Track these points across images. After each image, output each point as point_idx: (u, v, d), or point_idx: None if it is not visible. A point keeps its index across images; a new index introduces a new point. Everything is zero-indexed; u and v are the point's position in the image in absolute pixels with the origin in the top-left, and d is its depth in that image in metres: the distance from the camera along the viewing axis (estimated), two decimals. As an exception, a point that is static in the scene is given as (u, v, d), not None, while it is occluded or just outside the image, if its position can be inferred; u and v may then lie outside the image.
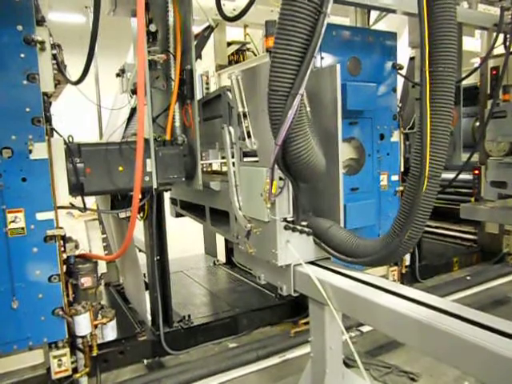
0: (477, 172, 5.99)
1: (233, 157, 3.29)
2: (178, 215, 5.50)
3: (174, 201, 5.42)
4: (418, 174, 2.13)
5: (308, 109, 2.58)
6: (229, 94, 3.35)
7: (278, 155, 2.45)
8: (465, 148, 5.51)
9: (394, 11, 4.54)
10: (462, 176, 5.70)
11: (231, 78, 3.03)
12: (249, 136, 2.98)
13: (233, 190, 3.26)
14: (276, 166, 2.63)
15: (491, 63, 5.72)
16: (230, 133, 3.25)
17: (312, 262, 2.91)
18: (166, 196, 4.07)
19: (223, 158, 6.10)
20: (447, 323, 1.93)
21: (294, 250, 2.81)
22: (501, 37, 5.10)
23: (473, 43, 6.69)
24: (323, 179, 2.83)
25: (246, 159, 3.28)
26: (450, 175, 5.45)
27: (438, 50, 2.05)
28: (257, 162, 3.08)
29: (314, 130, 2.59)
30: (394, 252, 2.37)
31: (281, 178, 2.75)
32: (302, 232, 2.82)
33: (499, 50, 5.31)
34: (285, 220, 2.83)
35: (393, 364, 3.75)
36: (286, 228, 2.82)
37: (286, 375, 3.66)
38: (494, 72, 5.68)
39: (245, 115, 2.99)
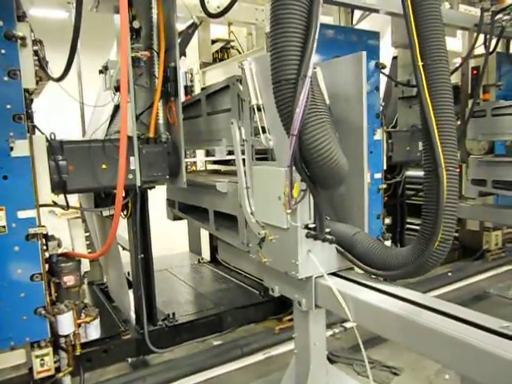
0: (458, 170, 6.08)
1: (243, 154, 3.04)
2: (176, 218, 5.10)
3: (171, 202, 4.97)
4: (433, 168, 2.04)
5: (327, 101, 2.43)
6: (239, 84, 3.04)
7: (295, 149, 2.19)
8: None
9: (377, 11, 4.58)
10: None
11: (243, 67, 2.73)
12: (263, 132, 2.68)
13: (243, 193, 2.97)
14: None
15: (472, 63, 5.81)
16: (239, 128, 2.99)
17: (334, 274, 2.59)
18: (150, 194, 4.03)
19: (208, 155, 6.12)
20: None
21: (317, 260, 2.50)
22: (481, 37, 5.19)
23: (454, 43, 6.79)
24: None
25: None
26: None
27: (428, 43, 2.08)
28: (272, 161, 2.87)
29: (334, 126, 2.37)
30: (428, 260, 2.13)
31: (303, 180, 2.44)
32: (324, 240, 2.49)
33: (480, 50, 5.40)
34: (306, 227, 2.51)
35: (376, 359, 3.81)
36: (307, 236, 2.49)
37: (271, 372, 3.68)
38: (475, 72, 5.77)
39: (259, 108, 2.70)
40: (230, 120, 3.02)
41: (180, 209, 4.82)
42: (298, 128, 2.12)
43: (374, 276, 2.45)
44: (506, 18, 5.17)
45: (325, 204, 2.57)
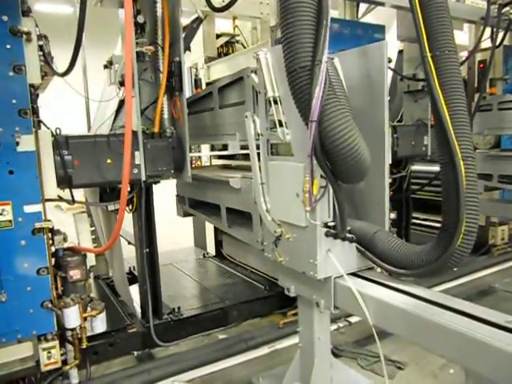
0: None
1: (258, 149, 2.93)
2: (186, 214, 4.96)
3: (181, 199, 4.82)
4: (449, 159, 2.00)
5: (346, 92, 2.33)
6: (253, 76, 2.88)
7: (315, 137, 2.09)
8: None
9: (382, 4, 4.55)
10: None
11: (258, 57, 2.59)
12: (280, 125, 2.57)
13: (258, 189, 2.86)
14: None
15: (478, 57, 5.77)
16: (254, 122, 2.86)
17: (354, 274, 2.50)
18: (155, 188, 4.04)
19: (213, 149, 6.11)
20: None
21: (336, 260, 2.41)
22: (488, 30, 5.14)
23: (461, 37, 6.73)
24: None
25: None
26: (437, 168, 5.51)
27: (436, 34, 2.07)
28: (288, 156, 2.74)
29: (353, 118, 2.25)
30: (453, 255, 2.06)
31: (322, 177, 2.34)
32: (344, 239, 2.40)
33: (487, 43, 5.36)
34: (326, 225, 2.42)
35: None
36: (327, 235, 2.40)
37: (275, 365, 3.70)
38: (482, 65, 5.73)
39: (275, 101, 2.58)
40: (244, 113, 2.91)
41: (191, 205, 4.68)
42: (317, 113, 2.04)
43: (397, 276, 2.35)
44: (514, 10, 5.13)
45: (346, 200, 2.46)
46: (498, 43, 5.18)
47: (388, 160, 2.49)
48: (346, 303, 2.40)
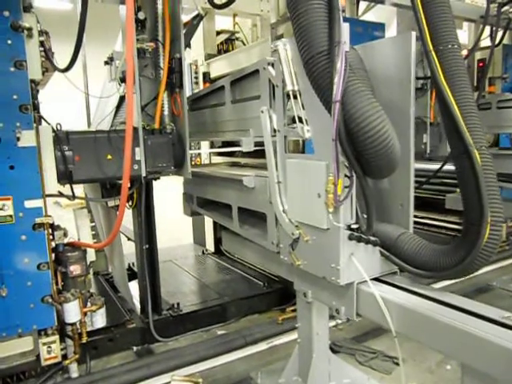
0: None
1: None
2: (194, 214, 4.78)
3: (189, 197, 4.57)
4: (463, 150, 1.95)
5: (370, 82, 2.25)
6: (270, 69, 2.70)
7: (339, 119, 1.96)
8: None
9: (382, 2, 4.57)
10: (448, 167, 5.79)
11: (277, 49, 2.45)
12: (300, 121, 2.43)
13: (275, 188, 2.72)
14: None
15: (478, 55, 5.78)
16: (271, 117, 2.72)
17: (377, 279, 2.37)
18: (155, 185, 4.05)
19: (211, 146, 6.11)
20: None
21: (360, 264, 2.26)
22: (488, 29, 5.16)
23: (461, 35, 6.74)
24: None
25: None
26: (436, 166, 5.53)
27: (437, 28, 2.08)
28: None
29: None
30: (485, 248, 1.96)
31: (346, 176, 2.21)
32: (368, 242, 2.25)
33: (486, 42, 5.37)
34: (349, 228, 2.28)
35: (378, 349, 3.84)
36: (350, 238, 2.26)
37: (274, 361, 3.73)
38: (481, 64, 5.74)
39: (295, 95, 2.43)
40: (260, 108, 2.77)
41: (199, 204, 4.43)
42: (340, 93, 1.92)
43: (426, 279, 2.28)
44: (513, 9, 5.15)
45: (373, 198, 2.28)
46: (497, 42, 5.19)
47: (413, 157, 2.35)
48: (370, 311, 2.25)
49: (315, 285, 2.64)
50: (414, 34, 2.21)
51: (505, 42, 5.59)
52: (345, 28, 2.08)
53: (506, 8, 5.07)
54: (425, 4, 2.12)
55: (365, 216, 2.31)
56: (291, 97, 2.43)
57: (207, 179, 3.89)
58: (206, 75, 5.36)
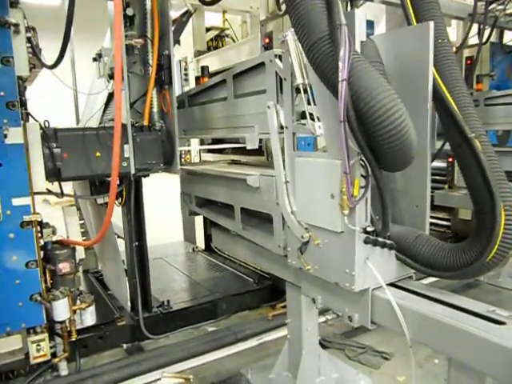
0: (450, 159, 6.13)
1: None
2: (192, 214, 4.60)
3: (187, 197, 4.31)
4: (463, 139, 1.92)
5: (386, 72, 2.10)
6: (278, 61, 2.55)
7: (346, 98, 1.83)
8: (439, 136, 5.61)
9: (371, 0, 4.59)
10: (436, 163, 5.84)
11: (286, 40, 2.31)
12: (311, 117, 2.29)
13: (282, 188, 2.57)
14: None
15: (466, 53, 5.83)
16: (278, 113, 2.56)
17: (392, 284, 2.23)
18: (145, 182, 4.04)
19: (201, 143, 6.09)
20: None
21: (375, 269, 2.12)
22: (475, 27, 5.20)
23: (449, 33, 6.79)
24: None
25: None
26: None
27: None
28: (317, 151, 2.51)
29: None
30: (503, 238, 1.87)
31: (362, 176, 2.06)
32: (384, 245, 2.10)
33: (474, 40, 5.42)
34: (365, 231, 2.13)
35: (367, 344, 3.88)
36: (366, 241, 2.11)
37: (264, 357, 3.75)
38: (469, 62, 5.78)
39: (305, 89, 2.29)
40: (266, 103, 2.60)
41: (198, 204, 4.19)
42: (346, 71, 1.80)
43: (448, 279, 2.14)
44: (500, 7, 5.20)
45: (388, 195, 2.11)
46: (484, 40, 5.24)
47: (430, 154, 2.17)
48: (385, 318, 2.10)
49: (325, 290, 2.48)
50: (432, 24, 2.05)
51: (492, 39, 5.64)
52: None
53: (493, 6, 5.13)
54: (413, 1, 2.15)
55: (377, 217, 2.19)
56: (301, 91, 2.29)
57: (207, 178, 3.73)
58: (204, 69, 5.18)
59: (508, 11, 5.47)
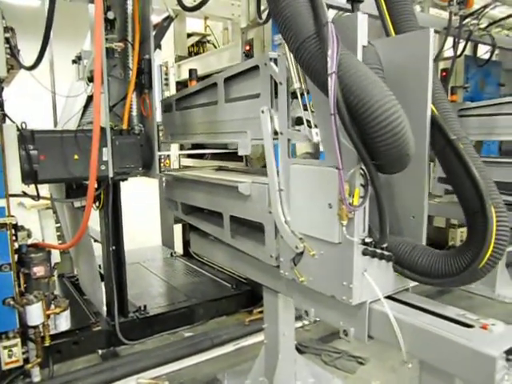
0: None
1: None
2: (178, 221, 4.44)
3: (171, 203, 4.02)
4: (446, 141, 1.93)
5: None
6: (272, 65, 2.45)
7: (336, 90, 1.79)
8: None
9: (350, 11, 4.67)
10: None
11: (282, 42, 2.22)
12: (308, 123, 2.21)
13: (275, 196, 2.46)
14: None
15: (441, 65, 5.99)
16: (272, 118, 2.46)
17: (389, 297, 2.16)
18: (123, 186, 4.01)
19: (181, 148, 6.07)
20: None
21: (373, 282, 2.05)
22: (450, 40, 5.36)
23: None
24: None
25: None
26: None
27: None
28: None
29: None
30: (499, 228, 1.84)
31: (362, 185, 2.00)
32: (382, 257, 2.04)
33: (449, 53, 5.58)
34: (363, 242, 2.06)
35: (343, 349, 3.92)
36: (364, 253, 2.05)
37: (241, 362, 3.75)
38: (444, 74, 5.94)
39: (302, 94, 2.21)
40: (260, 108, 2.50)
41: (184, 211, 3.93)
42: (335, 64, 1.77)
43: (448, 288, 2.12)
44: (474, 22, 5.37)
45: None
46: (459, 53, 5.40)
47: (427, 163, 2.10)
48: (382, 332, 2.04)
49: (319, 303, 2.38)
50: (432, 30, 2.02)
51: (466, 52, 5.81)
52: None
53: (467, 20, 5.28)
54: (392, 13, 2.23)
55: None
56: (298, 96, 2.21)
57: (194, 184, 3.54)
58: (192, 72, 5.06)
59: (481, 25, 5.65)
